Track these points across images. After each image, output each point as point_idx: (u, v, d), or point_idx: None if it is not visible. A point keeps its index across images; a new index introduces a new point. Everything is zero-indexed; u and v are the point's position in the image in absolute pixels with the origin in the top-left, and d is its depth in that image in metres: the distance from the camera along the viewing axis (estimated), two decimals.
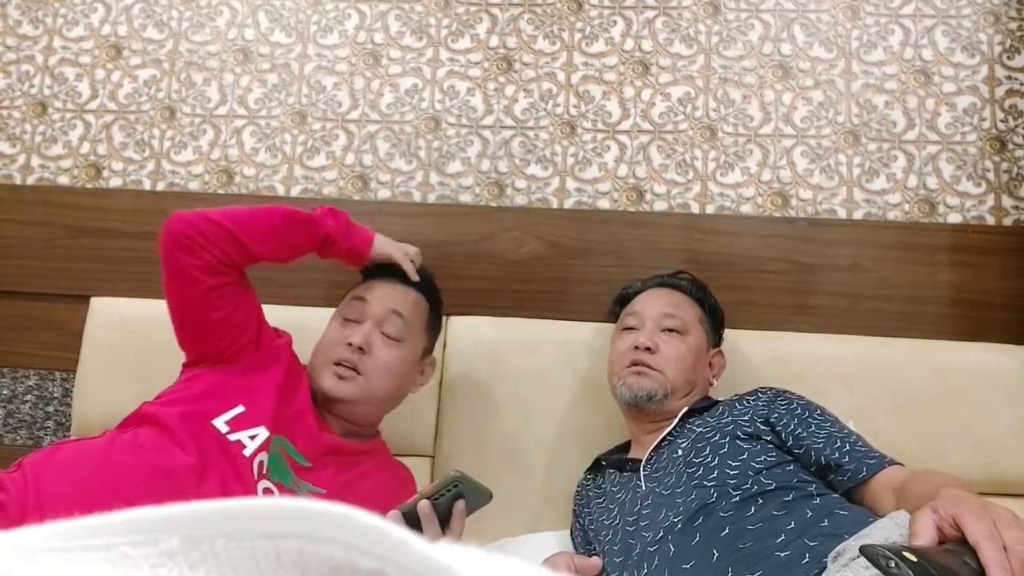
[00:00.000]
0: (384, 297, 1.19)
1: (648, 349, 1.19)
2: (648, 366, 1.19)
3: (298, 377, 1.14)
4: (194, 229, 1.06)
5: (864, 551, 0.60)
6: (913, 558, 0.56)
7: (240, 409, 1.04)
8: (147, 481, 0.93)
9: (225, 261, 1.08)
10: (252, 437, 1.02)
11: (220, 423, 1.02)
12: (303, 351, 1.21)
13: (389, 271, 1.23)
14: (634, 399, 1.18)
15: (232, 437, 1.01)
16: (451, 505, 0.93)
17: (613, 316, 1.36)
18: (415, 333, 1.20)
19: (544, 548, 1.22)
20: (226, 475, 0.98)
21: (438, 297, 1.29)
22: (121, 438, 0.99)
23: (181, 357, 1.16)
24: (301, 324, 1.26)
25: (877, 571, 0.60)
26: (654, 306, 1.26)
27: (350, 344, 1.12)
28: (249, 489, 0.98)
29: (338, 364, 1.12)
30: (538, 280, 1.53)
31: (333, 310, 1.49)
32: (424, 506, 0.90)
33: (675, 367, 1.19)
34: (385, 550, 0.18)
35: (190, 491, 0.93)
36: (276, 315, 1.23)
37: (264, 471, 1.01)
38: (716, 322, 1.31)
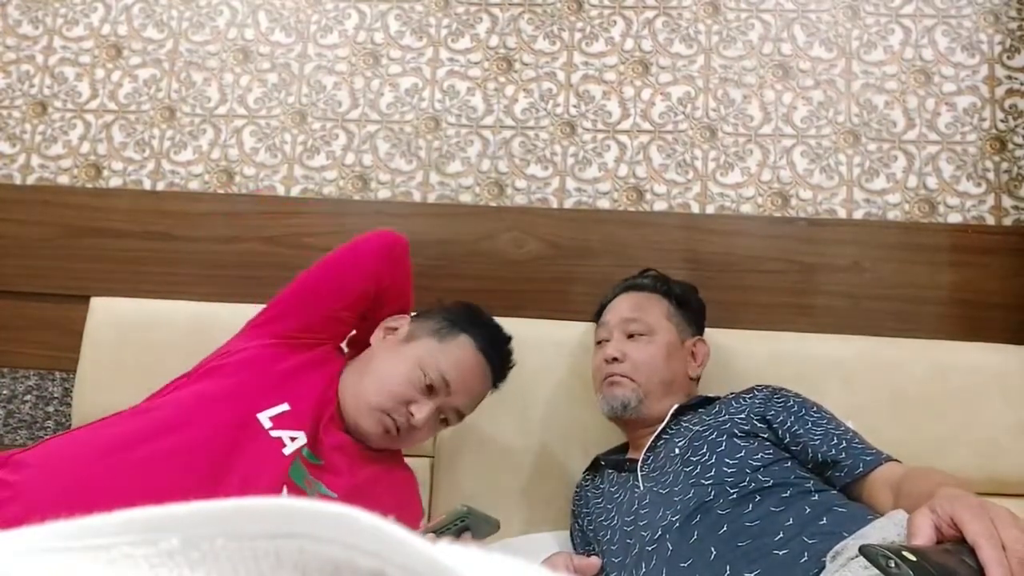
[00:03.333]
0: (465, 395, 1.12)
1: (615, 359, 1.20)
2: (620, 375, 1.19)
3: (334, 391, 1.12)
4: (403, 266, 1.20)
5: (863, 551, 0.60)
6: (912, 557, 0.56)
7: (285, 407, 1.03)
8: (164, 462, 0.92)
9: (373, 299, 1.17)
10: (292, 439, 1.01)
11: (264, 418, 1.01)
12: None
13: (496, 346, 1.17)
14: (612, 412, 1.20)
15: (274, 434, 1.00)
16: (457, 538, 0.94)
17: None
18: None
19: (543, 548, 1.22)
20: (257, 470, 0.96)
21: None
22: (134, 421, 0.97)
23: (181, 356, 1.15)
24: None
25: (876, 571, 0.60)
26: (616, 314, 1.26)
27: (411, 414, 1.07)
28: (276, 484, 0.96)
29: (391, 419, 1.07)
30: (538, 280, 1.54)
31: None
32: (429, 540, 0.90)
33: (646, 370, 1.19)
34: (386, 550, 0.18)
35: (209, 478, 0.93)
36: None
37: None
38: (691, 312, 1.30)
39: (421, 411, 1.06)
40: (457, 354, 1.11)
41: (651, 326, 1.23)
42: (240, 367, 1.05)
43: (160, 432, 0.94)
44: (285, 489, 0.99)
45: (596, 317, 1.35)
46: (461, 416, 1.15)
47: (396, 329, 1.16)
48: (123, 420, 0.98)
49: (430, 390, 1.08)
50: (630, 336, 1.23)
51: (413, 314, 1.21)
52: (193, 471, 0.92)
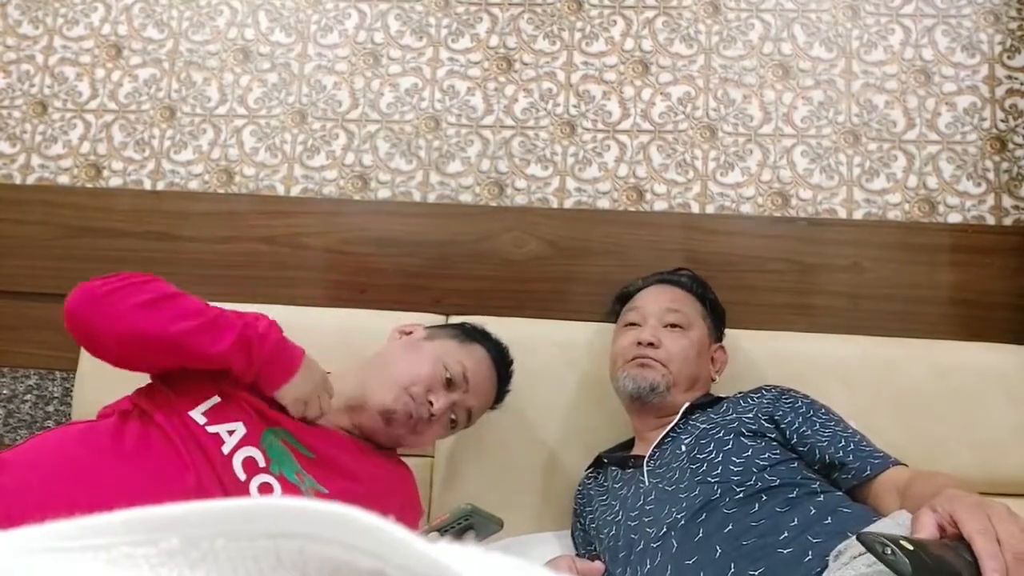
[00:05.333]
0: (479, 394, 1.16)
1: (651, 344, 1.20)
2: (651, 359, 1.19)
3: None
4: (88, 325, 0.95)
5: (861, 538, 0.60)
6: (910, 546, 0.56)
7: (215, 400, 0.99)
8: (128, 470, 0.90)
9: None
10: (231, 432, 0.97)
11: (197, 415, 0.97)
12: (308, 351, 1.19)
13: (502, 366, 1.22)
14: (637, 391, 1.18)
15: (211, 430, 0.96)
16: (460, 537, 0.94)
17: (613, 315, 1.37)
18: (462, 428, 1.20)
19: (545, 548, 1.22)
20: (203, 472, 0.92)
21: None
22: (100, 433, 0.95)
23: None
24: (301, 324, 1.26)
25: (877, 570, 0.60)
26: (656, 302, 1.27)
27: (430, 403, 1.09)
28: (229, 488, 0.93)
29: (414, 402, 1.09)
30: (538, 280, 1.54)
31: (332, 310, 1.48)
32: (432, 539, 0.90)
33: (678, 361, 1.20)
34: (385, 550, 0.18)
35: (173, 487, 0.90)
36: (275, 315, 1.22)
37: (262, 465, 0.97)
38: (717, 317, 1.32)
39: (440, 400, 1.10)
40: (476, 357, 1.17)
41: (689, 321, 1.25)
42: (162, 383, 1.02)
43: (131, 439, 0.93)
44: (277, 485, 0.96)
45: (620, 302, 1.36)
46: (469, 419, 1.17)
47: (411, 332, 1.21)
48: (101, 433, 0.95)
49: (449, 384, 1.12)
50: (665, 326, 1.23)
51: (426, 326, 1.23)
52: (177, 477, 0.91)
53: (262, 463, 0.97)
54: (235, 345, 0.97)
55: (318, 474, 1.02)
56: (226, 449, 0.96)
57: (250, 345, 0.98)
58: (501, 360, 1.22)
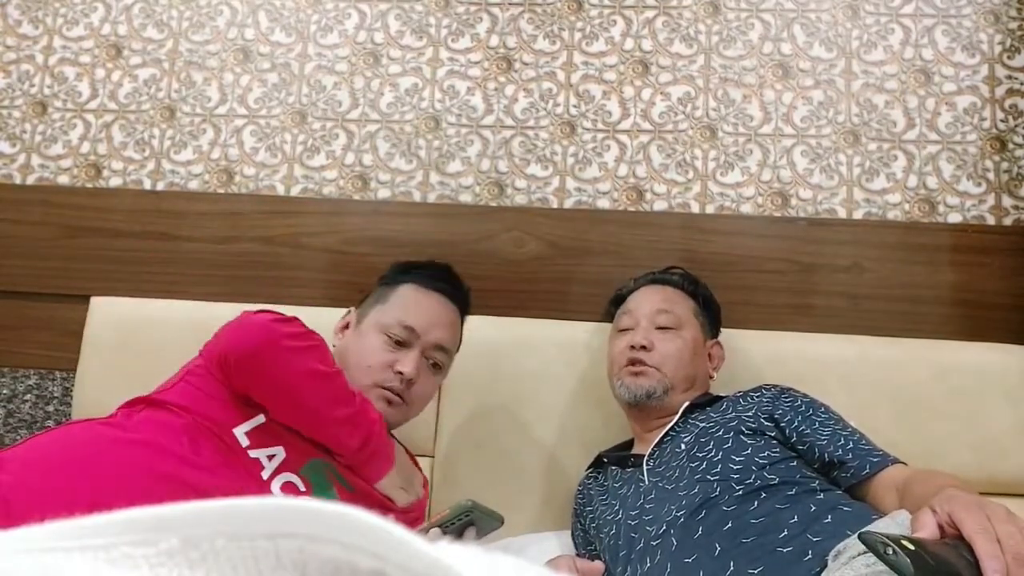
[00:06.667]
0: (434, 328, 1.14)
1: (643, 347, 1.20)
2: (645, 364, 1.19)
3: None
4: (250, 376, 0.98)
5: (862, 538, 0.61)
6: (911, 546, 0.57)
7: (260, 419, 0.99)
8: (143, 481, 0.89)
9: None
10: (271, 457, 0.97)
11: (240, 434, 0.97)
12: None
13: (438, 279, 1.20)
14: (634, 399, 1.19)
15: (252, 454, 0.95)
16: (461, 533, 0.94)
17: (609, 317, 1.37)
18: (452, 358, 1.20)
19: (545, 548, 1.22)
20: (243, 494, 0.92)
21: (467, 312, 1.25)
22: (116, 432, 0.94)
23: (181, 356, 1.15)
24: None
25: (877, 570, 0.60)
26: (647, 304, 1.27)
27: (400, 372, 1.09)
28: None
29: (386, 389, 1.08)
30: (538, 280, 1.54)
31: (332, 310, 1.48)
32: (433, 535, 0.90)
33: (672, 363, 1.20)
34: (386, 550, 0.18)
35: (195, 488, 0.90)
36: None
37: (303, 490, 0.97)
38: (712, 314, 1.32)
39: (406, 364, 1.09)
40: (404, 301, 1.15)
41: (681, 321, 1.24)
42: (208, 388, 1.01)
43: (140, 445, 0.91)
44: None
45: (614, 304, 1.36)
46: (447, 353, 1.16)
47: (347, 325, 1.20)
48: (103, 429, 0.94)
49: (402, 344, 1.11)
50: (658, 328, 1.23)
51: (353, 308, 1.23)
52: (178, 488, 0.90)
53: (302, 488, 0.98)
54: (361, 443, 1.00)
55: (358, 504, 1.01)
56: (265, 475, 0.96)
57: (368, 441, 1.01)
58: (434, 278, 1.19)
